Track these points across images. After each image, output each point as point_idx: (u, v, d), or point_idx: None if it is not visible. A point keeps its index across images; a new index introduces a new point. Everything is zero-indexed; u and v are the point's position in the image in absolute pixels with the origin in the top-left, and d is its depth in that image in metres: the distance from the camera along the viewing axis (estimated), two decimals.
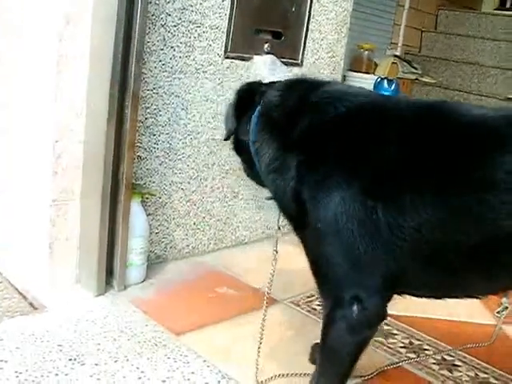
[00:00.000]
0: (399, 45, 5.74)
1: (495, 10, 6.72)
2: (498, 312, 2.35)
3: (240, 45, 2.52)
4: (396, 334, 2.17)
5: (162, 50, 2.24)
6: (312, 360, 1.87)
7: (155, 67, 2.24)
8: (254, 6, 2.52)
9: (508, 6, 6.85)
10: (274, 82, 1.67)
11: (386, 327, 2.21)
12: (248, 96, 1.65)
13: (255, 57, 2.57)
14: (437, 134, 1.34)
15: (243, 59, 2.56)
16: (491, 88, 5.55)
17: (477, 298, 1.57)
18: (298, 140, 1.47)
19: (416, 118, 1.40)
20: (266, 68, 2.54)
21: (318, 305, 2.31)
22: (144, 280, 2.32)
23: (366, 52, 4.95)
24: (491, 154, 1.27)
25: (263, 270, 2.52)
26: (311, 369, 1.65)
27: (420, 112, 1.42)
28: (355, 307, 1.38)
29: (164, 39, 2.24)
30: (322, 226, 1.40)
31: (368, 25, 5.26)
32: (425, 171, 1.32)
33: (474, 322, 2.38)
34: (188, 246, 2.60)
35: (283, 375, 1.82)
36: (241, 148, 1.69)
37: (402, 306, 2.36)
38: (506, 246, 1.28)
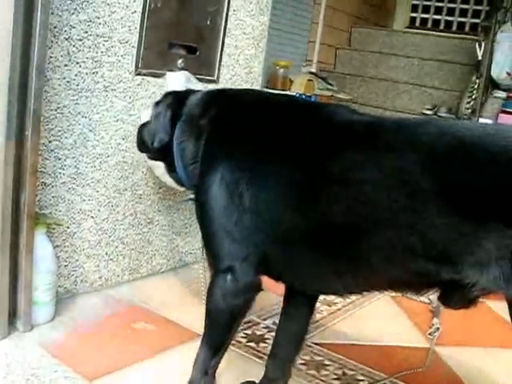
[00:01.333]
0: (314, 61, 5.73)
1: (406, 28, 6.86)
2: (429, 333, 2.31)
3: (152, 60, 2.36)
4: (328, 365, 2.06)
5: (66, 65, 2.05)
6: None
7: (59, 85, 2.05)
8: (166, 18, 2.36)
9: (417, 24, 6.99)
10: (197, 90, 1.88)
11: (317, 358, 2.09)
12: (176, 104, 1.80)
13: (168, 73, 2.41)
14: (301, 127, 1.53)
15: (156, 76, 2.40)
16: (406, 104, 5.62)
17: (338, 294, 1.69)
18: (204, 130, 1.68)
19: (290, 113, 1.60)
20: (180, 85, 2.38)
21: (243, 336, 2.16)
22: (53, 319, 2.10)
23: (282, 69, 4.91)
24: (340, 150, 1.42)
25: (182, 301, 2.38)
26: None
27: (297, 109, 1.63)
28: (228, 277, 1.53)
29: (68, 54, 2.05)
30: (204, 197, 1.60)
31: (283, 41, 5.23)
32: (282, 155, 1.51)
33: (406, 346, 2.31)
34: (100, 277, 2.39)
35: None
36: (165, 151, 1.81)
37: (330, 333, 2.28)
38: (341, 237, 1.41)
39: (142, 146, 1.99)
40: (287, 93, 4.18)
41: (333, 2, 5.78)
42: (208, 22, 2.55)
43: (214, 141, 1.66)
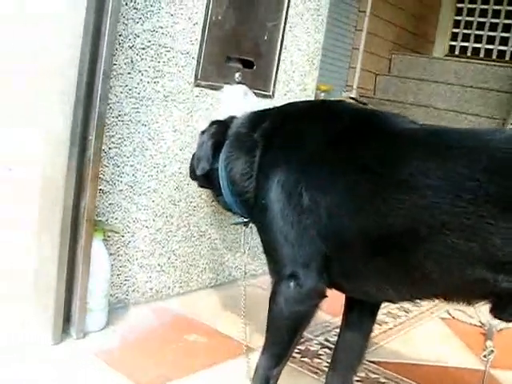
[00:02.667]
0: (354, 87, 5.72)
1: (445, 56, 6.84)
2: (484, 356, 2.26)
3: (210, 72, 2.36)
4: (384, 383, 2.00)
5: (129, 73, 2.06)
6: None
7: (121, 92, 2.05)
8: (225, 32, 2.37)
9: (457, 52, 6.97)
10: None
11: (372, 375, 2.05)
12: (220, 131, 1.85)
13: (226, 86, 2.42)
14: (361, 136, 1.54)
15: (214, 88, 2.40)
16: None
17: (391, 301, 1.69)
18: (257, 143, 1.71)
19: (347, 123, 1.60)
20: (237, 98, 2.38)
21: (297, 352, 2.13)
22: (105, 327, 2.09)
23: (323, 93, 4.91)
24: (404, 156, 1.42)
25: (233, 315, 2.35)
26: None
27: (354, 118, 1.62)
28: (292, 283, 1.53)
29: (131, 62, 2.06)
30: (262, 203, 1.62)
31: (324, 66, 5.23)
32: (342, 160, 1.52)
33: (462, 367, 2.26)
34: (151, 289, 2.37)
35: None
36: (210, 179, 1.89)
37: (383, 351, 2.23)
38: (402, 243, 1.39)
39: (192, 173, 2.08)
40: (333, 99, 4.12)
41: (374, 28, 5.79)
42: (265, 37, 2.56)
43: (270, 150, 1.67)
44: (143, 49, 2.08)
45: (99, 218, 2.09)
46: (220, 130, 1.85)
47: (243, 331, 1.98)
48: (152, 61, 2.13)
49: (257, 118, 1.80)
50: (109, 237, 2.13)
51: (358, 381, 1.99)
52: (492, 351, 2.31)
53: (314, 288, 1.55)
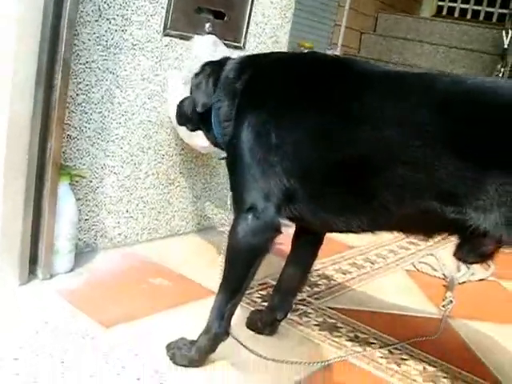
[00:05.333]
0: (339, 45, 5.71)
1: (432, 16, 6.82)
2: (443, 306, 2.33)
3: (180, 22, 2.37)
4: (341, 328, 2.08)
5: (96, 21, 2.08)
6: (248, 325, 1.98)
7: (89, 39, 2.08)
8: None
9: (444, 13, 6.95)
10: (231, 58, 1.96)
11: (330, 320, 2.12)
12: (217, 71, 1.88)
13: (196, 36, 2.43)
14: (326, 79, 1.64)
15: (183, 38, 2.42)
16: None
17: (353, 232, 1.70)
18: (238, 91, 1.78)
19: (315, 68, 1.70)
20: (206, 49, 2.40)
21: (258, 297, 2.19)
22: (72, 269, 2.14)
23: (306, 50, 4.90)
24: (360, 94, 1.53)
25: (200, 262, 2.41)
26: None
27: (323, 64, 1.72)
28: (250, 216, 1.60)
29: (99, 10, 2.07)
30: (233, 144, 1.71)
31: (308, 23, 5.22)
32: (307, 102, 1.62)
33: (420, 316, 2.33)
34: (120, 234, 2.43)
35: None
36: (205, 117, 1.90)
37: (344, 299, 2.30)
38: (358, 174, 1.51)
39: (183, 118, 2.10)
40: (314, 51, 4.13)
41: None
42: None
43: (246, 98, 1.75)
44: None
45: (67, 164, 2.13)
46: (216, 69, 1.89)
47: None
48: (120, 9, 2.14)
49: (245, 63, 1.86)
50: (76, 182, 2.18)
51: (315, 325, 2.07)
52: (451, 301, 2.39)
53: (271, 221, 1.61)
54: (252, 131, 1.65)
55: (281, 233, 1.64)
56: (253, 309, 2.07)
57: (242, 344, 1.73)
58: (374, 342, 2.02)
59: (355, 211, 1.58)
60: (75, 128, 2.13)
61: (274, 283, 2.27)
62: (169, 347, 1.72)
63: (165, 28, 2.33)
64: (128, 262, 2.34)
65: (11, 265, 1.95)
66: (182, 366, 1.68)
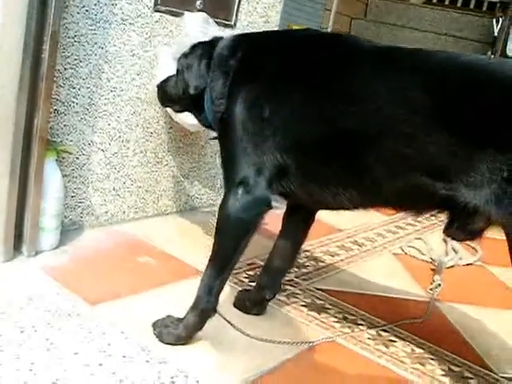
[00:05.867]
0: (329, 30, 5.67)
1: (423, 3, 6.79)
2: (430, 289, 2.33)
3: None
4: (329, 309, 2.07)
5: None
6: (236, 304, 1.96)
7: (77, 13, 2.04)
8: None
9: (435, 0, 6.92)
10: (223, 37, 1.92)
11: (318, 302, 2.11)
12: (208, 52, 1.85)
13: (186, 13, 2.39)
14: (319, 54, 1.63)
15: (174, 14, 2.38)
16: None
17: (344, 208, 1.69)
18: (233, 65, 1.76)
19: (307, 44, 1.70)
20: (197, 26, 2.36)
21: (245, 277, 2.18)
22: (57, 246, 2.12)
23: None
24: (355, 70, 1.54)
25: (187, 241, 2.39)
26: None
27: (312, 39, 1.74)
28: (240, 190, 1.59)
29: None
30: (227, 116, 1.70)
31: (298, 7, 5.19)
32: (299, 77, 1.62)
33: (408, 299, 2.33)
34: (107, 212, 2.40)
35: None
36: (197, 99, 1.86)
37: (332, 281, 2.29)
38: (349, 147, 1.51)
39: (168, 100, 2.07)
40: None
41: None
42: None
43: (239, 74, 1.74)
44: None
45: (54, 139, 2.09)
46: (207, 50, 1.86)
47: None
48: None
49: (238, 41, 1.84)
50: (63, 158, 2.14)
51: (303, 305, 2.06)
52: (439, 285, 2.39)
53: (262, 196, 1.61)
54: (245, 106, 1.64)
55: (271, 208, 1.63)
56: (240, 289, 2.05)
57: (229, 322, 1.72)
58: (362, 323, 2.01)
59: (347, 186, 1.57)
60: (62, 103, 2.09)
61: (262, 263, 2.26)
62: (155, 325, 1.70)
63: (155, 3, 2.29)
64: (114, 240, 2.31)
65: None
66: (169, 343, 1.66)
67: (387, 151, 1.45)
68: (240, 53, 1.77)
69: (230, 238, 1.64)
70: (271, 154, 1.60)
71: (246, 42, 1.82)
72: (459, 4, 6.72)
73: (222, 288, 1.67)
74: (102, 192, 2.35)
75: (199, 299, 1.65)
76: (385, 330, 1.99)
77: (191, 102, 1.92)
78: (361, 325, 2.00)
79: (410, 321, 2.05)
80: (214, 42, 1.89)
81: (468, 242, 3.03)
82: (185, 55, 1.92)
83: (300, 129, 1.59)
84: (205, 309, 1.65)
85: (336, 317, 2.02)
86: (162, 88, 2.07)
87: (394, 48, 1.61)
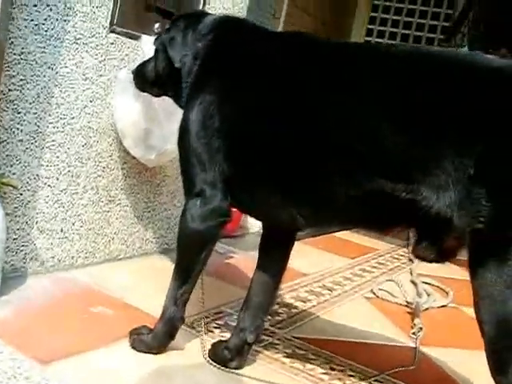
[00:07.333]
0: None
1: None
2: (413, 333, 2.19)
3: (128, 19, 2.15)
4: (313, 359, 1.87)
5: (35, 6, 1.81)
6: (212, 356, 1.73)
7: (25, 26, 1.80)
8: None
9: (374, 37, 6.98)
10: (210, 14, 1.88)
11: (300, 352, 1.90)
12: (194, 23, 1.76)
13: (144, 36, 2.19)
14: (276, 58, 1.58)
15: (130, 37, 2.18)
16: None
17: (299, 226, 1.65)
18: (200, 53, 1.71)
19: (274, 46, 1.63)
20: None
21: (215, 327, 1.93)
22: None
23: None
24: (299, 73, 1.51)
25: (142, 287, 2.14)
26: None
27: (280, 41, 1.66)
28: (198, 201, 1.60)
29: None
30: (183, 122, 1.67)
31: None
32: (251, 82, 1.60)
33: (389, 344, 2.16)
34: (53, 257, 2.11)
35: None
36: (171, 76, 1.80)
37: (309, 328, 2.08)
38: (299, 157, 1.47)
39: (146, 83, 1.94)
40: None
41: (291, 15, 5.69)
42: None
43: (203, 69, 1.70)
44: None
45: None
46: (193, 22, 1.78)
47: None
48: None
49: (213, 26, 1.75)
50: (5, 193, 1.87)
51: (285, 356, 1.84)
52: (421, 328, 2.25)
53: (218, 207, 1.60)
54: (200, 113, 1.61)
55: (230, 218, 1.64)
56: (213, 340, 1.80)
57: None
58: (352, 373, 1.82)
59: (299, 198, 1.52)
60: (5, 129, 1.83)
61: (231, 311, 2.06)
62: (131, 333, 1.71)
63: (111, 23, 2.09)
64: (63, 288, 2.02)
65: None
66: (141, 351, 1.67)
67: (339, 152, 1.39)
68: (208, 38, 1.72)
69: (190, 249, 1.65)
70: (222, 166, 1.59)
71: (219, 31, 1.75)
72: (398, 40, 6.78)
73: (188, 298, 1.68)
74: (48, 234, 2.06)
75: (165, 309, 1.67)
76: (377, 380, 1.80)
77: (170, 83, 1.83)
78: (351, 376, 1.80)
79: (401, 368, 1.87)
80: (199, 14, 1.85)
81: (438, 284, 2.93)
82: (167, 29, 1.85)
83: (245, 138, 1.57)
84: (171, 317, 1.66)
85: (322, 367, 1.82)
86: (140, 71, 1.95)
87: (351, 45, 1.71)
